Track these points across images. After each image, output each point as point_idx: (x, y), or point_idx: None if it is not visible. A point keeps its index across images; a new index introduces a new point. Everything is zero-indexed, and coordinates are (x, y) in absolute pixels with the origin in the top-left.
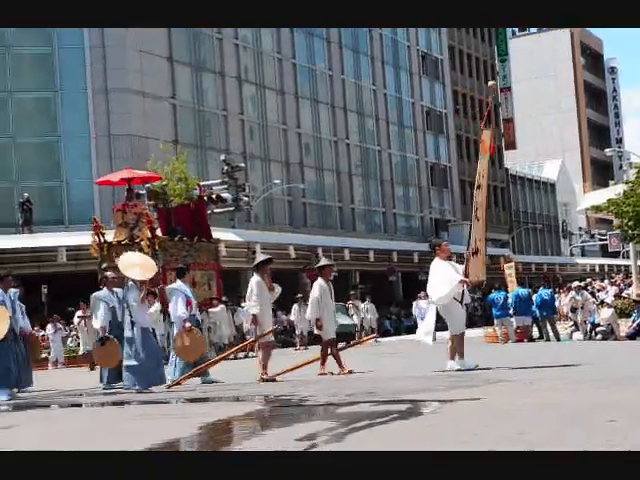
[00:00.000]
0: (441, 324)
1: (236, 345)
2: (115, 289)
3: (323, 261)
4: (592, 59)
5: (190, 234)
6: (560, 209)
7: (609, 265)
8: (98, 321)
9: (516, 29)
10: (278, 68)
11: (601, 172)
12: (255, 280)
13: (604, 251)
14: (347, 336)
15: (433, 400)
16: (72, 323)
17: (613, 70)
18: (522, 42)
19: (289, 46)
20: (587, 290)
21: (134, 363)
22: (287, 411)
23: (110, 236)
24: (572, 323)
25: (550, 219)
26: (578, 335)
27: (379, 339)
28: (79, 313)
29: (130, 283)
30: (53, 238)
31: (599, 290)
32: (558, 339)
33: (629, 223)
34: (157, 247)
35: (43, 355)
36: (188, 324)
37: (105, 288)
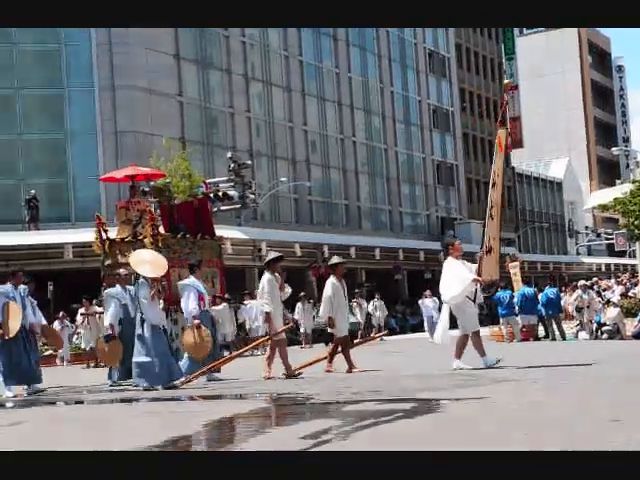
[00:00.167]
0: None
1: (238, 342)
2: (128, 286)
3: (335, 259)
4: (599, 57)
5: (193, 231)
6: (566, 208)
7: (615, 264)
8: (107, 318)
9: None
10: (285, 65)
11: (608, 171)
12: (266, 278)
13: (610, 250)
14: (350, 335)
15: (438, 399)
16: (76, 320)
17: (620, 69)
18: (529, 40)
19: (296, 44)
20: (593, 289)
21: (143, 360)
22: (292, 409)
23: (114, 233)
24: (578, 322)
25: (556, 218)
26: (584, 334)
27: (384, 337)
28: (82, 310)
29: (141, 280)
30: (59, 235)
31: (605, 289)
32: (564, 338)
33: (635, 222)
34: (160, 244)
35: (48, 352)
36: (197, 321)
37: (118, 285)
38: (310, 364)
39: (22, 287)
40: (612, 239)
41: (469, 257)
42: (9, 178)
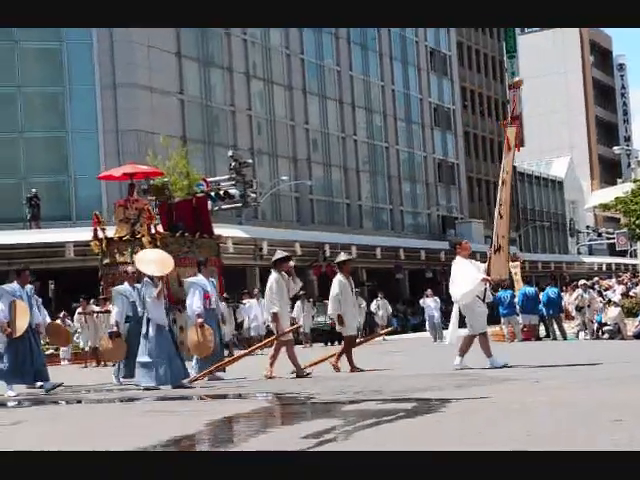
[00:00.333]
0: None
1: (240, 341)
2: (136, 284)
3: (342, 256)
4: (601, 56)
5: (192, 230)
6: (568, 207)
7: (616, 264)
8: (113, 315)
9: None
10: (286, 64)
11: (609, 170)
12: (274, 277)
13: (611, 249)
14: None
15: (440, 399)
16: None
17: (622, 67)
18: (531, 39)
19: (297, 42)
20: (594, 289)
21: (146, 360)
22: (294, 409)
23: (113, 232)
24: (579, 322)
25: (557, 217)
26: (585, 334)
27: (386, 337)
28: (79, 310)
29: (146, 279)
30: (60, 234)
31: (606, 289)
32: (565, 338)
33: (637, 222)
34: (158, 243)
35: (49, 351)
36: (200, 320)
37: (126, 282)
38: (317, 363)
39: (29, 286)
40: (613, 238)
41: (472, 256)
42: (10, 177)
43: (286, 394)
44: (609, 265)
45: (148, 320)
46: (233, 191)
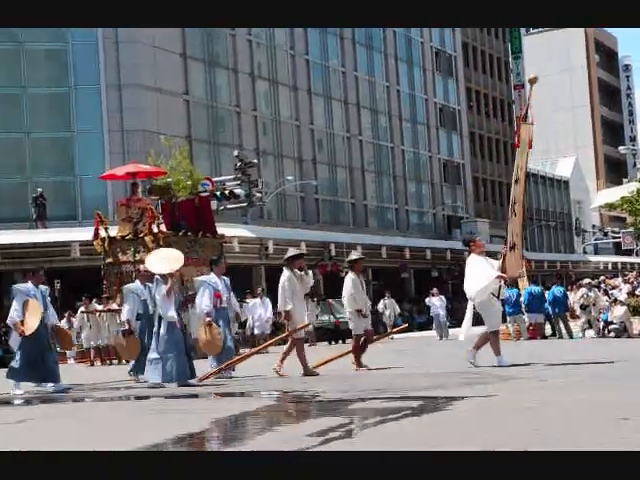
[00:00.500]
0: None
1: (241, 340)
2: (148, 283)
3: (354, 255)
4: (606, 57)
5: (194, 229)
6: (573, 207)
7: (622, 263)
8: (124, 313)
9: None
10: (291, 64)
11: (615, 170)
12: (286, 275)
13: (617, 249)
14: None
15: (446, 397)
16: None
17: (627, 68)
18: (536, 39)
19: (302, 42)
20: (600, 288)
21: (155, 357)
22: (300, 407)
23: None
24: (584, 320)
25: (563, 216)
26: (591, 333)
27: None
28: (82, 309)
29: (157, 277)
30: (66, 233)
31: (613, 288)
32: (571, 336)
33: None
34: (161, 242)
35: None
36: (208, 319)
37: (137, 280)
38: (327, 362)
39: (43, 287)
40: (619, 238)
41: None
42: (16, 176)
43: (292, 392)
44: (615, 264)
45: (159, 318)
46: (238, 191)
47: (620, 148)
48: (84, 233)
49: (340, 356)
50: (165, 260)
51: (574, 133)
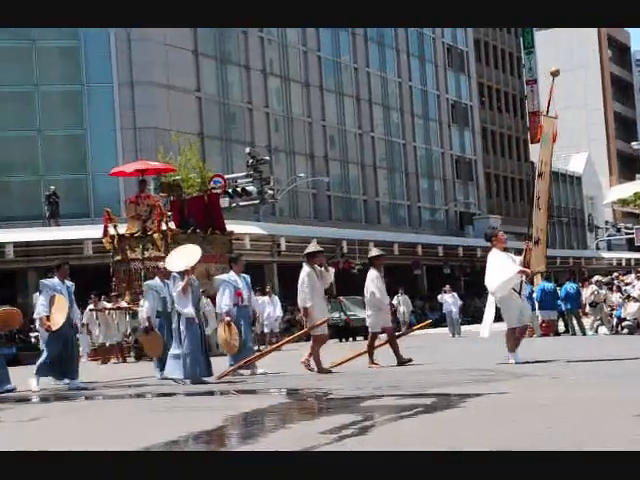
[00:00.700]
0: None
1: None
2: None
3: (375, 251)
4: (619, 52)
5: (203, 226)
6: (586, 202)
7: (635, 259)
8: (144, 311)
9: None
10: (303, 61)
11: (627, 165)
12: (305, 271)
13: (630, 245)
14: (365, 330)
15: (459, 394)
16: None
17: None
18: (548, 34)
19: (314, 39)
20: (612, 284)
21: (176, 352)
22: (313, 404)
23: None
24: (593, 318)
25: (576, 212)
26: (604, 329)
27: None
28: (90, 306)
29: (174, 274)
30: (79, 231)
31: (626, 284)
32: (584, 333)
33: None
34: (170, 239)
35: None
36: (227, 318)
37: (157, 277)
38: (346, 361)
39: (69, 282)
40: (632, 234)
41: (488, 251)
42: (29, 174)
43: (305, 389)
44: (628, 260)
45: (178, 314)
46: (250, 188)
47: (633, 144)
48: (96, 231)
49: (359, 355)
50: (182, 257)
51: (587, 128)
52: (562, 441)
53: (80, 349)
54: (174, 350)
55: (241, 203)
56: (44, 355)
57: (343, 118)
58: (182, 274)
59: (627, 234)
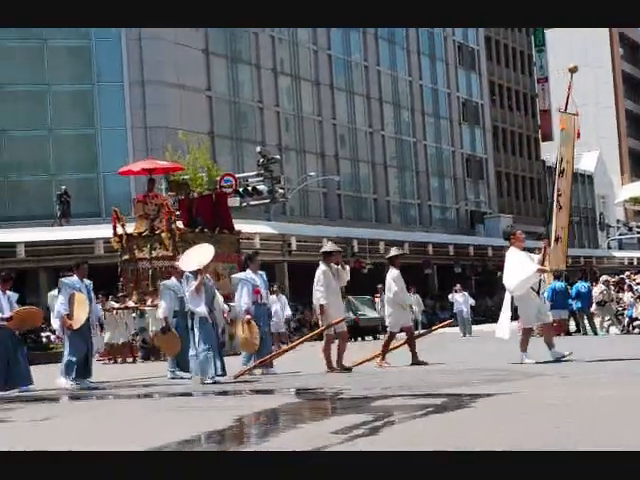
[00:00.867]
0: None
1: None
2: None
3: (394, 251)
4: (631, 49)
5: (211, 225)
6: (597, 201)
7: None
8: (160, 310)
9: None
10: (314, 60)
11: (639, 164)
12: (322, 269)
13: None
14: (373, 330)
15: (470, 394)
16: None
17: None
18: (559, 33)
19: (325, 38)
20: (625, 283)
21: (193, 352)
22: (324, 404)
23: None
24: (603, 318)
25: (587, 211)
26: (615, 329)
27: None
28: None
29: (187, 274)
30: (90, 230)
31: (638, 284)
32: (595, 333)
33: None
34: (177, 238)
35: None
36: (247, 316)
37: (173, 277)
38: (368, 360)
39: (87, 281)
40: None
41: (500, 251)
42: (40, 173)
43: (316, 389)
44: None
45: (192, 314)
46: (261, 187)
47: None
48: (108, 230)
49: (377, 355)
50: (195, 257)
51: (598, 127)
52: (571, 441)
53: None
54: (191, 350)
55: (252, 202)
56: (68, 355)
57: (354, 117)
58: (195, 273)
59: (639, 233)
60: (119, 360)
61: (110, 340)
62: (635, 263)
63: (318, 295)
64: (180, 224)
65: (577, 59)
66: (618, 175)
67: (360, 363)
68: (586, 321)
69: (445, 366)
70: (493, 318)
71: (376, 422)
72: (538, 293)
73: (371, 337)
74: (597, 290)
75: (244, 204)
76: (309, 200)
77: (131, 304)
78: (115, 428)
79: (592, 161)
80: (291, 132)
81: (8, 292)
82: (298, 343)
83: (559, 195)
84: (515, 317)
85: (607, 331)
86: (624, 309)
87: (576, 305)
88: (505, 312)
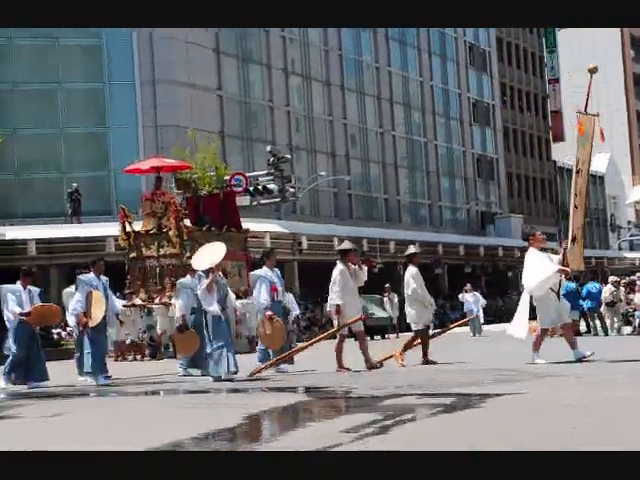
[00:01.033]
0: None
1: None
2: None
3: (412, 249)
4: None
5: (219, 224)
6: (609, 202)
7: None
8: (177, 309)
9: None
10: (324, 60)
11: None
12: (339, 269)
13: None
14: (382, 329)
15: (479, 394)
16: None
17: None
18: (570, 34)
19: (335, 38)
20: (636, 284)
21: (208, 350)
22: (334, 403)
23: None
24: (613, 319)
25: (598, 212)
26: (627, 329)
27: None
28: None
29: (199, 273)
30: (101, 228)
31: None
32: (606, 333)
33: None
34: (185, 237)
35: None
36: (269, 312)
37: (188, 275)
38: (386, 359)
39: (104, 278)
40: None
41: (511, 251)
42: (52, 171)
43: (327, 388)
44: None
45: (205, 312)
46: (271, 186)
47: None
48: (118, 228)
49: (405, 350)
50: (207, 255)
51: (609, 128)
52: (585, 443)
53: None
54: (207, 348)
55: (262, 201)
56: (92, 353)
57: (364, 117)
58: (207, 272)
59: None
60: (129, 358)
61: (117, 338)
62: None
63: (333, 295)
64: (188, 222)
65: (587, 60)
66: (629, 176)
67: (384, 360)
68: (597, 321)
69: (455, 366)
70: (502, 318)
71: (386, 421)
72: (558, 294)
73: (379, 336)
74: (606, 290)
75: (254, 203)
76: (320, 200)
77: (138, 302)
78: (124, 425)
79: (603, 162)
80: (302, 132)
81: (29, 287)
82: (315, 341)
83: (575, 195)
84: (532, 317)
85: (618, 331)
86: (635, 310)
87: (586, 305)
88: (522, 312)
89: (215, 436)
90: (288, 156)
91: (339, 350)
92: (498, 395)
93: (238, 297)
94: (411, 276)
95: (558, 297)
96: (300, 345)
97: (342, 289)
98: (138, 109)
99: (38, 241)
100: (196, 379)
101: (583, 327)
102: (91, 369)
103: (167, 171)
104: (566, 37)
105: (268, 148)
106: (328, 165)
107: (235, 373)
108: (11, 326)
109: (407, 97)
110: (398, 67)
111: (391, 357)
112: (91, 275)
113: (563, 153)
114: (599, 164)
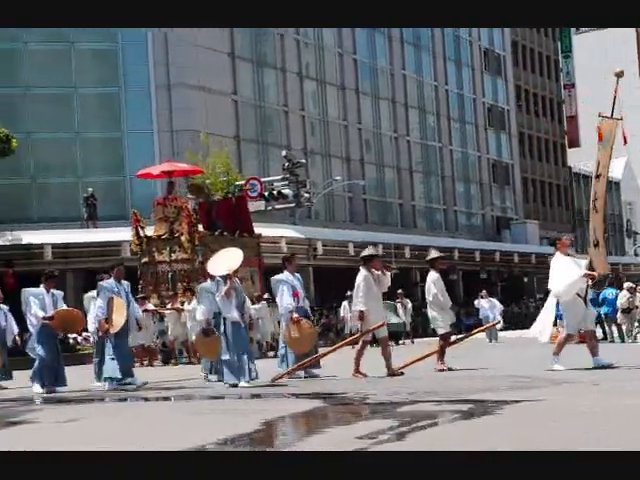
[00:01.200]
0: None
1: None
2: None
3: (434, 253)
4: None
5: (231, 229)
6: (624, 208)
7: None
8: (199, 313)
9: None
10: (339, 64)
11: None
12: (362, 275)
13: None
14: (395, 336)
15: (496, 400)
16: None
17: None
18: (586, 38)
19: (350, 42)
20: None
21: (226, 357)
22: (350, 409)
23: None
24: (630, 324)
25: (614, 218)
26: None
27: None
28: None
29: (217, 278)
30: (117, 233)
31: None
32: (622, 340)
33: None
34: (197, 242)
35: None
36: (295, 315)
37: (208, 280)
38: (412, 362)
39: (125, 283)
40: None
41: (526, 257)
42: (68, 176)
43: (343, 394)
44: None
45: (224, 318)
46: (286, 191)
47: None
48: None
49: (427, 356)
50: (224, 261)
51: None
52: (601, 448)
53: None
54: (224, 355)
55: (277, 206)
56: (116, 359)
57: (379, 121)
58: (224, 278)
59: None
60: (145, 363)
61: (133, 343)
62: None
63: (357, 301)
64: (200, 227)
65: (602, 64)
66: None
67: (408, 364)
68: (614, 327)
69: (471, 372)
70: (518, 325)
71: (402, 427)
72: (585, 300)
73: (393, 342)
74: (622, 297)
75: (269, 208)
76: (334, 204)
77: (150, 307)
78: (140, 430)
79: (619, 167)
80: (316, 136)
81: (53, 290)
82: (338, 347)
83: (595, 199)
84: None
85: (635, 338)
86: None
87: (603, 311)
88: (547, 316)
89: (234, 441)
90: (303, 161)
91: (359, 355)
92: (515, 402)
93: (252, 302)
94: (432, 281)
95: (585, 303)
96: (322, 351)
97: (366, 295)
98: (153, 114)
99: (54, 246)
100: (213, 384)
101: (599, 333)
102: (120, 374)
103: (178, 175)
104: (581, 41)
105: (283, 153)
106: (343, 170)
107: (254, 379)
108: (34, 329)
109: (422, 101)
110: (413, 71)
111: (412, 364)
112: (112, 281)
113: (579, 159)
114: (615, 170)
